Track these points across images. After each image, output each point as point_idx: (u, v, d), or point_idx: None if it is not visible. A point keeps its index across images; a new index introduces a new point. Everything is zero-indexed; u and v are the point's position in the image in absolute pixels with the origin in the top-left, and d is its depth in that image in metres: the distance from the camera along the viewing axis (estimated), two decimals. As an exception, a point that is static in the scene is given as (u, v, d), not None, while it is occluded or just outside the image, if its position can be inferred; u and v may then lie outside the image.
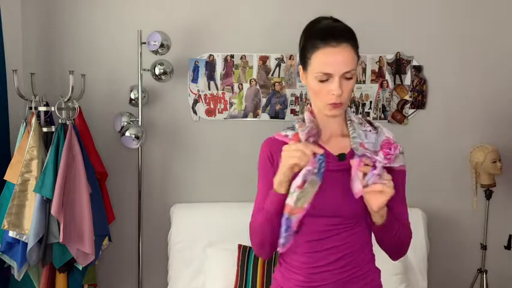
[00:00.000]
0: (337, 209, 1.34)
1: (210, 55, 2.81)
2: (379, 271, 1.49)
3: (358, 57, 1.34)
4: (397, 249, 1.44)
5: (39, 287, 2.43)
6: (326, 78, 1.29)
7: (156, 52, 2.58)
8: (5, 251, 2.34)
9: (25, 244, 2.30)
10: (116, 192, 2.81)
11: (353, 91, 1.37)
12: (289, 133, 1.40)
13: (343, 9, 2.78)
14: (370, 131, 1.36)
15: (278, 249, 1.34)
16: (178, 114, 2.84)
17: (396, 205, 1.38)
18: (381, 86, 2.84)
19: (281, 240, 1.32)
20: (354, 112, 2.78)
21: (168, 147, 2.86)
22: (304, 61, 1.35)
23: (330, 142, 1.38)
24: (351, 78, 1.30)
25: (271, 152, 1.43)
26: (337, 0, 2.79)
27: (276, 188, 1.31)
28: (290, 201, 1.27)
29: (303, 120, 1.38)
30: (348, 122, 1.39)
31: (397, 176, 1.35)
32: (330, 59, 1.28)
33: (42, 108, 2.46)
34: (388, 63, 2.83)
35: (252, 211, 1.46)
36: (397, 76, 2.85)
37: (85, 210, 2.34)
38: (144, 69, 2.66)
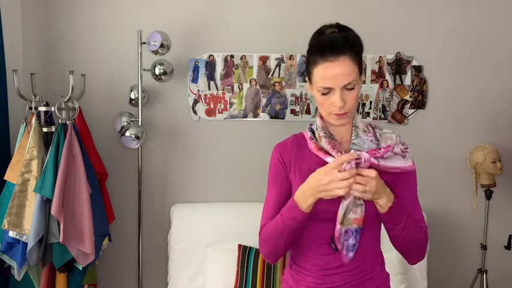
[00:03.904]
0: None
1: (210, 55, 2.81)
2: (388, 275, 1.50)
3: (360, 66, 1.34)
4: (410, 248, 1.40)
5: (39, 287, 2.43)
6: (327, 91, 1.32)
7: (156, 52, 2.58)
8: (5, 251, 2.34)
9: (25, 244, 2.30)
10: (116, 192, 2.81)
11: (358, 98, 1.38)
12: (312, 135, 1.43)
13: (343, 9, 2.80)
14: (372, 141, 1.37)
15: (346, 260, 1.34)
16: (178, 114, 2.84)
17: (407, 203, 1.40)
18: (381, 86, 2.84)
19: (351, 254, 1.33)
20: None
21: (168, 147, 2.86)
22: (308, 75, 1.38)
23: (341, 147, 1.40)
24: (353, 89, 1.31)
25: (283, 157, 1.44)
26: (337, 0, 2.79)
27: (304, 209, 1.30)
28: (360, 212, 1.29)
29: (316, 126, 1.43)
30: (353, 128, 1.40)
31: (408, 175, 1.39)
32: (328, 73, 1.29)
33: (42, 108, 2.46)
34: (388, 63, 2.83)
35: (261, 217, 1.46)
36: (397, 76, 2.84)
37: (85, 210, 2.34)
38: (144, 69, 2.66)
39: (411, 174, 1.41)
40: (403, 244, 1.39)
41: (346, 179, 1.23)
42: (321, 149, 1.37)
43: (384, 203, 1.29)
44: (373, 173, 1.25)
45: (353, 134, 1.39)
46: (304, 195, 1.29)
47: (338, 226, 1.30)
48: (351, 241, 1.31)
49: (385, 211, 1.30)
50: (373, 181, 1.24)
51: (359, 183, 1.24)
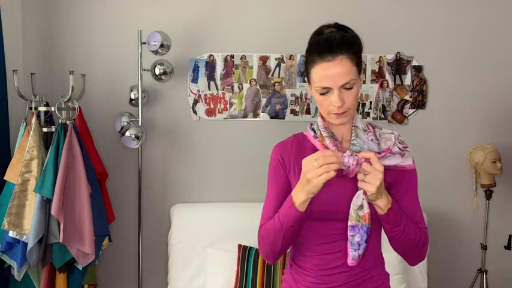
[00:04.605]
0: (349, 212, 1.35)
1: (210, 55, 2.81)
2: (388, 275, 1.49)
3: (359, 65, 1.33)
4: (409, 250, 1.40)
5: (39, 287, 2.43)
6: (326, 91, 1.32)
7: (156, 52, 2.58)
8: (5, 251, 2.34)
9: (25, 244, 2.30)
10: (116, 192, 2.81)
11: (358, 97, 1.38)
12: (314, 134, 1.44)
13: (344, 9, 2.80)
14: (372, 140, 1.37)
15: (351, 262, 1.32)
16: (178, 114, 2.84)
17: (407, 203, 1.39)
18: (381, 86, 2.84)
19: (359, 252, 1.31)
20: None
21: (168, 147, 2.86)
22: (306, 75, 1.38)
23: (342, 146, 1.40)
24: (351, 88, 1.31)
25: (283, 157, 1.45)
26: (337, 0, 2.79)
27: (298, 206, 1.29)
28: (367, 209, 1.28)
29: (317, 126, 1.42)
30: (353, 128, 1.40)
31: (408, 175, 1.39)
32: (326, 73, 1.29)
33: (42, 108, 2.46)
34: (388, 63, 2.83)
35: (260, 216, 1.46)
36: (397, 76, 2.85)
37: (85, 210, 2.34)
38: (144, 69, 2.66)
39: (411, 174, 1.41)
40: (402, 246, 1.38)
41: (321, 166, 1.22)
42: (327, 147, 1.36)
43: (383, 204, 1.29)
44: (372, 156, 1.26)
45: (352, 135, 1.38)
46: (296, 191, 1.30)
47: (348, 222, 1.30)
48: (357, 238, 1.30)
49: (384, 213, 1.30)
50: (380, 174, 1.24)
51: (365, 173, 1.25)
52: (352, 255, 1.31)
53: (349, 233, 1.30)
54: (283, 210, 1.34)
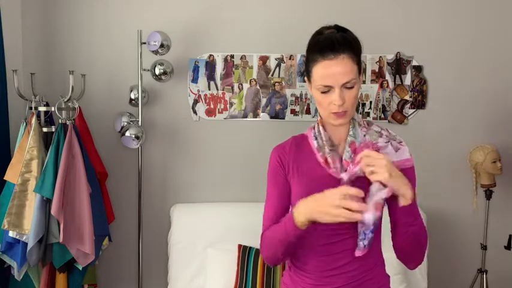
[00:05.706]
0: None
1: (210, 55, 2.81)
2: (388, 277, 1.49)
3: (359, 66, 1.34)
4: (414, 251, 1.38)
5: (39, 287, 2.43)
6: (327, 89, 1.32)
7: (156, 52, 2.58)
8: (5, 251, 2.34)
9: (25, 244, 2.30)
10: (116, 192, 2.81)
11: (358, 98, 1.38)
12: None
13: (344, 9, 2.80)
14: (365, 135, 1.38)
15: (357, 252, 1.32)
16: (178, 114, 2.84)
17: None
18: (381, 86, 2.84)
19: (364, 242, 1.31)
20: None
21: (168, 147, 2.86)
22: (307, 74, 1.39)
23: (340, 148, 1.41)
24: (352, 87, 1.32)
25: (282, 158, 1.45)
26: (337, 0, 2.79)
27: (297, 223, 1.29)
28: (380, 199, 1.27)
29: (320, 134, 1.42)
30: (351, 120, 1.40)
31: (408, 174, 1.37)
32: (328, 71, 1.30)
33: (42, 108, 2.46)
34: (388, 63, 2.83)
35: (262, 219, 1.46)
36: (397, 76, 2.85)
37: (85, 210, 2.34)
38: (144, 69, 2.66)
39: (410, 172, 1.40)
40: (414, 243, 1.36)
41: (341, 208, 1.20)
42: (328, 163, 1.37)
43: (411, 193, 1.26)
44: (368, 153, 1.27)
45: (350, 126, 1.40)
46: (299, 211, 1.28)
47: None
48: (364, 228, 1.30)
49: (409, 203, 1.27)
50: (383, 161, 1.24)
51: (369, 165, 1.25)
52: (358, 245, 1.32)
53: (359, 225, 1.31)
54: (285, 225, 1.33)
